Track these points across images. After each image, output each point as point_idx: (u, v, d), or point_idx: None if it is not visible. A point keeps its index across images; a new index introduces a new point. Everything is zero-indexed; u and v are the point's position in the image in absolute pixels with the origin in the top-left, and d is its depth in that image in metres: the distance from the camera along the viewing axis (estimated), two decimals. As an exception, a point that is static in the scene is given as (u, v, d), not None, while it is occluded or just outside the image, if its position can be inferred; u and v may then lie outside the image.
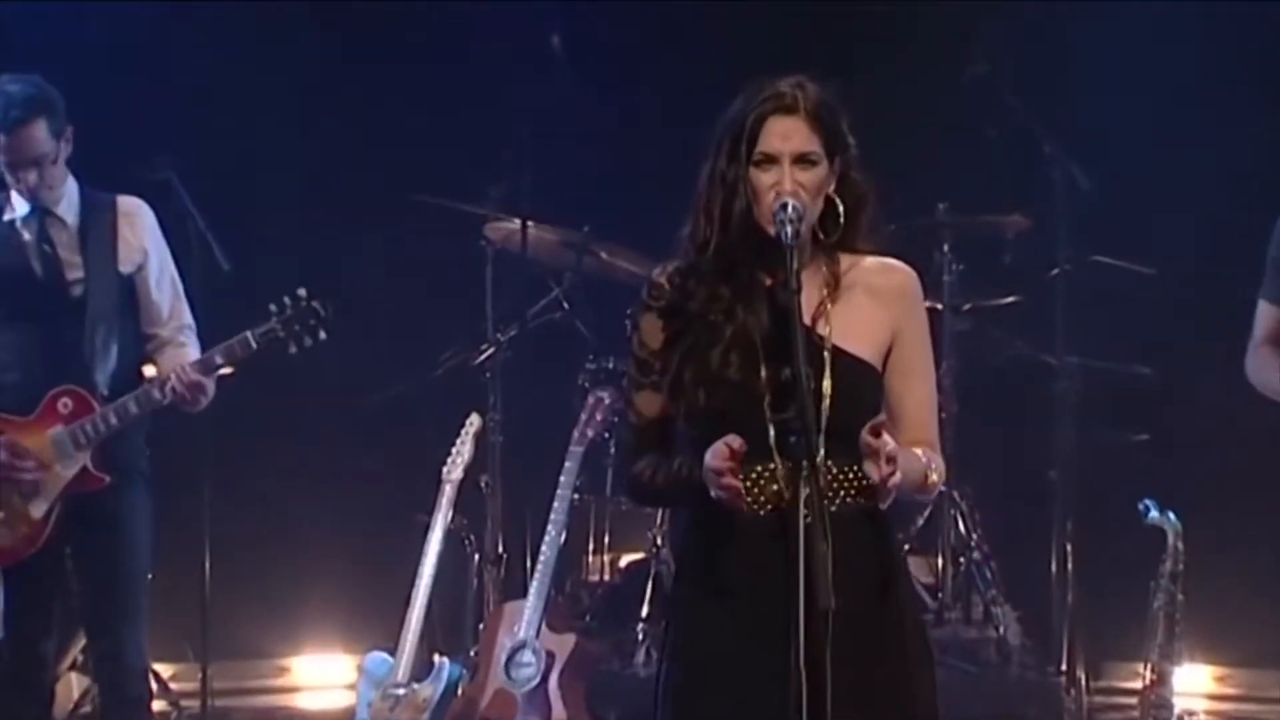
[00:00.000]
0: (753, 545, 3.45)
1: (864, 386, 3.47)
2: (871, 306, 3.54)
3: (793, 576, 3.31)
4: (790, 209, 3.42)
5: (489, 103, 7.16)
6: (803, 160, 3.47)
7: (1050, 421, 6.85)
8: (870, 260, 3.57)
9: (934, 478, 3.51)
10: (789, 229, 3.40)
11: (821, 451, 3.37)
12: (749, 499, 3.42)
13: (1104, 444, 6.90)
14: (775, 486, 3.44)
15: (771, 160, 3.47)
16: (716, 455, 3.35)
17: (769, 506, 3.44)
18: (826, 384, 3.43)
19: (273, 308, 5.33)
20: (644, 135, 7.26)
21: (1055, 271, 6.80)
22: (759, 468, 3.44)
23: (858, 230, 3.55)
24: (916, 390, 3.56)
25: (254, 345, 5.31)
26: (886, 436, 3.31)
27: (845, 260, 3.56)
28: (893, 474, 3.31)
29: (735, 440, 3.35)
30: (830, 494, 3.39)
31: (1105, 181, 6.83)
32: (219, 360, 5.32)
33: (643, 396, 3.57)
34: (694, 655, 3.52)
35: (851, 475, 3.45)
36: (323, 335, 5.36)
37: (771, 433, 3.43)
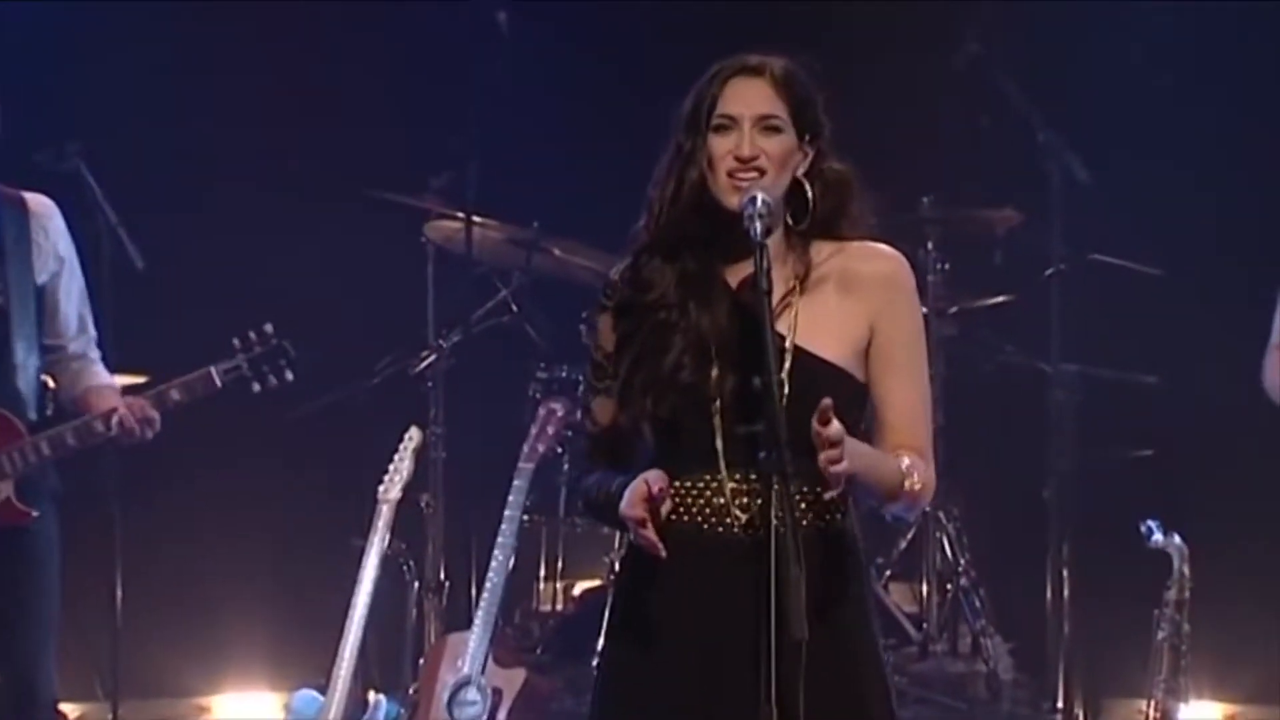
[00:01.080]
0: (694, 565, 3.43)
1: (825, 392, 3.33)
2: (845, 299, 3.50)
3: (762, 603, 3.29)
4: (760, 203, 3.39)
5: (431, 89, 7.16)
6: (765, 124, 3.45)
7: (1045, 435, 6.88)
8: (854, 246, 3.53)
9: (913, 485, 3.45)
10: (759, 224, 3.37)
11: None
12: (695, 509, 3.43)
13: (1103, 460, 6.93)
14: (721, 500, 3.44)
15: (731, 122, 3.45)
16: (633, 501, 3.35)
17: (713, 521, 3.44)
18: (783, 389, 3.37)
19: (236, 342, 5.34)
20: (602, 120, 7.26)
21: (1050, 271, 6.83)
22: (707, 477, 3.44)
23: (845, 219, 3.52)
24: (899, 389, 3.50)
25: (219, 384, 5.32)
26: (836, 424, 3.23)
27: (826, 248, 3.52)
28: (836, 460, 3.23)
29: (656, 482, 3.34)
30: (780, 514, 3.32)
31: (1104, 174, 6.87)
32: (176, 397, 5.31)
33: (597, 403, 3.58)
34: (627, 690, 3.50)
35: (808, 493, 3.40)
36: (289, 376, 5.38)
37: (719, 442, 3.42)
